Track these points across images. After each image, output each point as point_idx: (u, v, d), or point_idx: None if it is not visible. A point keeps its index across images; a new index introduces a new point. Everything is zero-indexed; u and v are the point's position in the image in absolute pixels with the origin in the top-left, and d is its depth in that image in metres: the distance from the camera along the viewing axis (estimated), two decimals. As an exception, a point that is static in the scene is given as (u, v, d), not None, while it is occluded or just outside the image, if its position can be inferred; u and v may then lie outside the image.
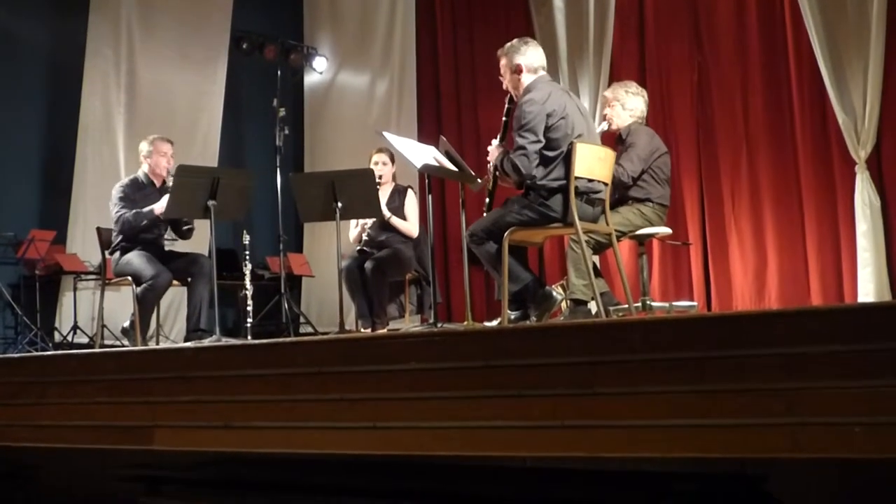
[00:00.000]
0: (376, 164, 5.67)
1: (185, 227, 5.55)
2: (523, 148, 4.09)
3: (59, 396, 3.09)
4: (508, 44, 4.36)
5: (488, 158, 4.38)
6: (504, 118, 4.35)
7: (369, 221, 5.61)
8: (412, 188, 5.88)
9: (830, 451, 1.82)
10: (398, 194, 5.73)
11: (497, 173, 4.33)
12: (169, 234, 5.61)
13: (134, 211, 5.29)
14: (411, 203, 5.74)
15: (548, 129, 4.12)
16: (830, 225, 6.45)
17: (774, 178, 6.72)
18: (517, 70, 4.27)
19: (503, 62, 4.33)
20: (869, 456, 1.79)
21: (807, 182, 6.56)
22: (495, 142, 4.35)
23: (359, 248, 5.68)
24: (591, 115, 6.73)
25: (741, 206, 6.86)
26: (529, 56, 4.27)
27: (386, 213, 5.50)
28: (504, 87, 4.39)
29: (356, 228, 5.71)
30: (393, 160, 5.76)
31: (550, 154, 4.14)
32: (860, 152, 6.18)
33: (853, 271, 6.18)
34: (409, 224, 5.66)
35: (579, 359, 2.15)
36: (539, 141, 4.10)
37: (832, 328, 1.85)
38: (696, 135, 7.15)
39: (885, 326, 1.79)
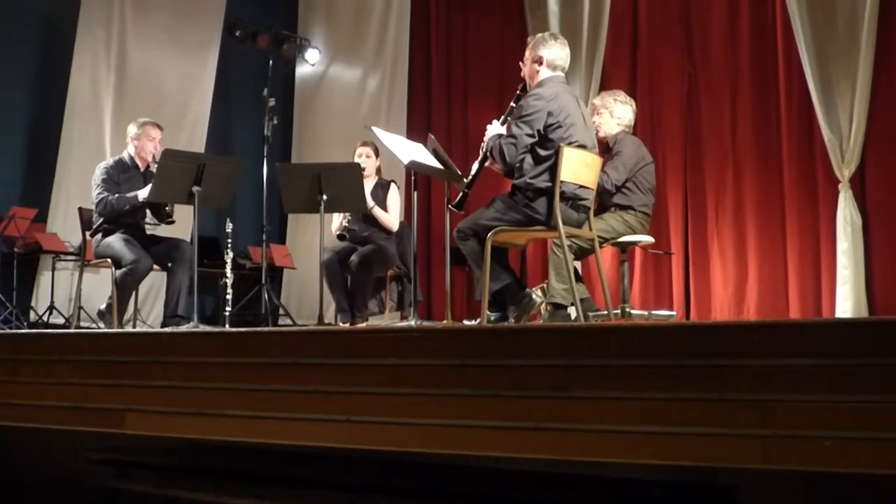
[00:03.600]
0: (360, 156, 5.67)
1: (167, 219, 5.42)
2: (515, 137, 4.18)
3: (32, 375, 3.06)
4: (540, 34, 4.46)
5: (484, 137, 4.39)
6: (512, 103, 4.39)
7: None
8: (395, 182, 5.84)
9: (800, 464, 1.84)
10: (381, 188, 5.70)
11: (488, 153, 4.34)
12: (150, 219, 5.55)
13: (117, 195, 5.23)
14: (394, 197, 5.71)
15: (547, 127, 4.16)
16: (812, 241, 6.50)
17: (758, 192, 6.77)
18: (538, 61, 4.35)
19: (528, 49, 4.41)
20: (838, 470, 1.81)
21: (790, 198, 6.61)
22: (497, 122, 4.37)
23: (339, 234, 5.53)
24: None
25: (724, 218, 6.90)
26: (554, 52, 4.34)
27: (370, 201, 5.43)
28: (521, 74, 4.46)
29: (339, 218, 5.65)
30: (377, 154, 5.75)
31: (543, 153, 4.17)
32: (844, 171, 6.23)
33: (832, 288, 6.23)
34: (391, 217, 5.63)
35: (555, 362, 2.16)
36: (533, 135, 4.16)
37: (806, 342, 1.86)
38: (683, 146, 7.19)
39: (859, 342, 1.80)
